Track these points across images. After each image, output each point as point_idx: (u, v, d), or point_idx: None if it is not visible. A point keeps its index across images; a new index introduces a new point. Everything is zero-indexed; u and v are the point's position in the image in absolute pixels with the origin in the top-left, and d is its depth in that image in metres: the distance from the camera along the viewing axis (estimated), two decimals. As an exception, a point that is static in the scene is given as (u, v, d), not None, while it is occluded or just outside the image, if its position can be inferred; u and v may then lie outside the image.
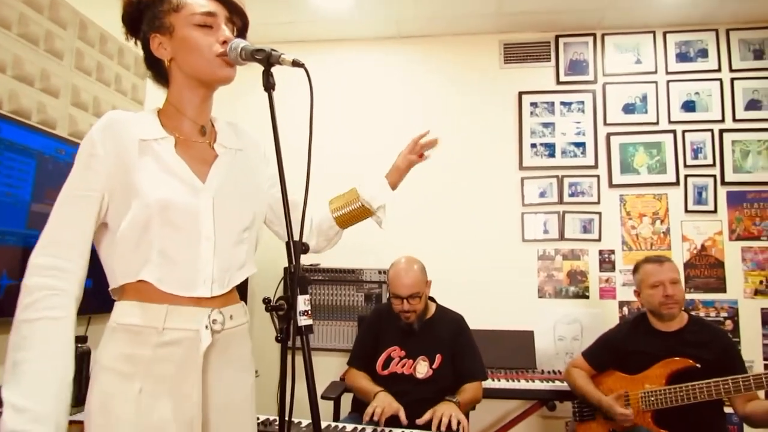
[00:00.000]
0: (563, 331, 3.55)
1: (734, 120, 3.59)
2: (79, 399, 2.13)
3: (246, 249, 1.30)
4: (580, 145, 3.71)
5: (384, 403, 2.28)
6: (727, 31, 3.65)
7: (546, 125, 3.75)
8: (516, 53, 3.83)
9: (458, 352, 2.59)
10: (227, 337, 1.23)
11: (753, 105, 3.59)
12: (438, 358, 2.55)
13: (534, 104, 3.77)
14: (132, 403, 1.11)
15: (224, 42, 1.21)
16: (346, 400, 2.87)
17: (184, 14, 1.22)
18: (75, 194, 1.16)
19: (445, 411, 2.23)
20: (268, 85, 1.13)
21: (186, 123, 1.28)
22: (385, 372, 2.57)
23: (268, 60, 1.13)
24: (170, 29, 1.23)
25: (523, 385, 3.03)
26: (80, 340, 2.28)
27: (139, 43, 1.30)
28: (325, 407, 2.82)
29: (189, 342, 1.15)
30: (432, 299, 2.76)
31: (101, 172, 1.16)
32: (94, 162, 1.16)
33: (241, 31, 1.33)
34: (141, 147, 1.19)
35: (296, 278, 1.05)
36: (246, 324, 1.32)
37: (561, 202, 3.67)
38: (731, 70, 3.63)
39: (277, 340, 1.08)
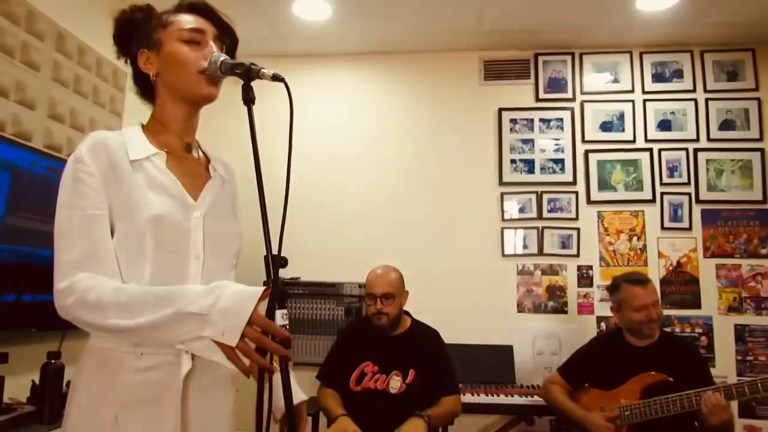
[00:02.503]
0: (542, 346, 3.57)
1: (708, 139, 3.66)
2: (52, 416, 2.10)
3: (233, 275, 1.30)
4: (559, 161, 3.76)
5: (341, 428, 2.31)
6: (702, 53, 3.74)
7: (525, 142, 3.79)
8: (496, 70, 3.88)
9: (433, 367, 2.59)
10: (207, 359, 1.21)
11: (726, 125, 3.67)
12: (411, 373, 2.55)
13: (513, 121, 3.82)
14: (107, 431, 1.08)
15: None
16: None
17: (172, 30, 1.23)
18: (87, 212, 1.12)
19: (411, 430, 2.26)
20: (248, 98, 1.13)
21: (171, 139, 1.27)
22: (359, 388, 2.57)
23: (247, 74, 1.13)
24: (158, 45, 1.23)
25: (502, 399, 3.04)
26: (54, 355, 2.23)
27: (128, 61, 1.30)
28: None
29: (168, 366, 1.12)
30: (407, 314, 2.77)
31: (101, 191, 1.14)
32: (92, 181, 1.13)
33: (230, 50, 1.33)
34: (133, 166, 1.17)
35: (274, 293, 1.04)
36: None
37: (540, 217, 3.70)
38: (705, 91, 3.71)
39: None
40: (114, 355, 1.12)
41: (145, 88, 1.30)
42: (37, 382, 2.21)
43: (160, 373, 1.11)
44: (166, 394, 1.11)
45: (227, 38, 1.30)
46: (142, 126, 1.29)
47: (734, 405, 3.24)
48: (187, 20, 1.24)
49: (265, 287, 1.02)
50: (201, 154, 1.34)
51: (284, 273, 3.50)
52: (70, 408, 1.13)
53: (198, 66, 1.20)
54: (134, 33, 1.27)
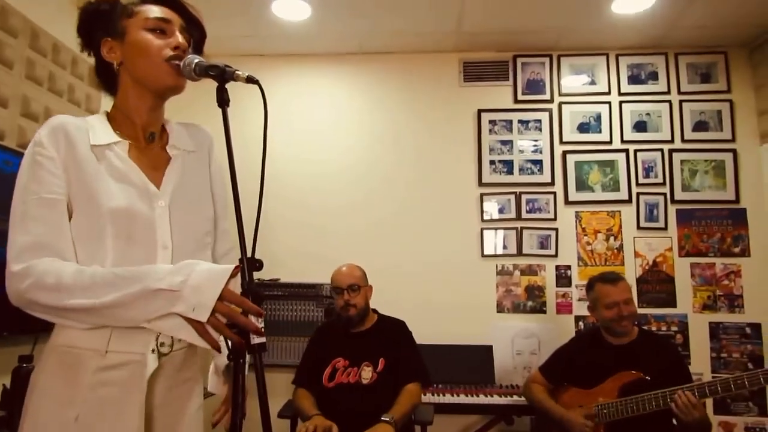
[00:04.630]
0: (521, 346, 3.59)
1: (683, 140, 3.72)
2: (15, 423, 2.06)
3: (209, 254, 1.28)
4: (537, 162, 3.79)
5: (316, 422, 2.34)
6: (676, 56, 3.80)
7: (504, 143, 3.82)
8: (475, 72, 3.90)
9: (401, 354, 2.63)
10: (175, 358, 1.18)
11: (700, 126, 3.73)
12: (381, 362, 2.60)
13: (493, 122, 3.84)
14: None
15: (176, 47, 1.19)
16: (304, 417, 2.83)
17: (137, 19, 1.21)
18: (43, 197, 1.09)
19: None
20: (222, 101, 1.12)
21: (135, 128, 1.24)
22: (332, 384, 2.60)
23: (222, 76, 1.11)
24: (122, 33, 1.21)
25: (481, 399, 3.06)
26: (26, 359, 2.19)
27: (92, 53, 1.27)
28: (282, 426, 2.78)
29: (133, 366, 1.10)
30: (374, 311, 2.81)
31: (60, 175, 1.11)
32: (50, 165, 1.11)
33: (198, 44, 1.31)
34: (94, 153, 1.15)
35: (249, 295, 1.03)
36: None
37: (519, 218, 3.73)
38: (680, 93, 3.77)
39: (228, 358, 1.06)
40: (76, 353, 1.09)
41: (108, 80, 1.27)
42: (8, 386, 2.17)
43: (125, 372, 1.09)
44: (130, 394, 1.08)
45: (195, 31, 1.29)
46: (107, 114, 1.26)
47: (709, 402, 3.29)
48: (153, 10, 1.22)
49: (236, 265, 1.03)
50: (163, 135, 1.30)
51: (263, 274, 3.50)
52: (28, 408, 1.10)
53: (163, 54, 1.18)
54: (98, 23, 1.23)
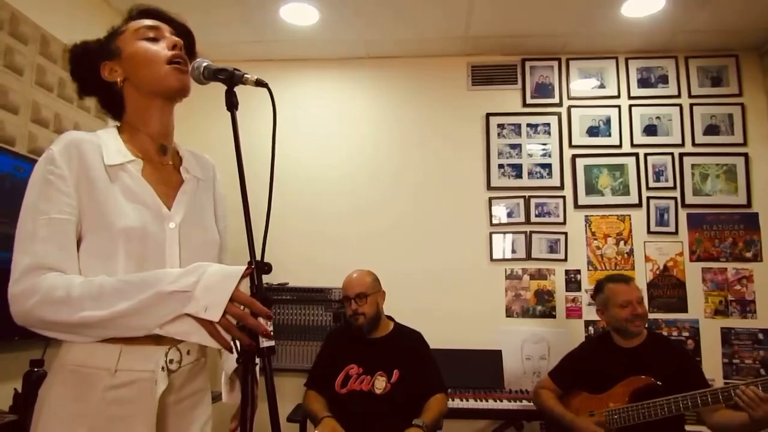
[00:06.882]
0: (531, 351, 3.57)
1: (693, 144, 3.70)
2: None
3: None
4: (546, 166, 3.77)
5: (327, 428, 2.33)
6: (686, 59, 3.78)
7: (513, 146, 3.81)
8: (483, 75, 3.89)
9: (418, 366, 2.62)
10: (183, 374, 1.18)
11: (711, 130, 3.70)
12: (396, 373, 2.57)
13: (501, 126, 3.83)
14: None
15: (174, 46, 1.21)
16: (313, 422, 2.82)
17: (129, 33, 1.24)
18: (52, 217, 1.07)
19: None
20: (231, 104, 1.12)
21: (147, 141, 1.25)
22: (344, 390, 2.59)
23: (231, 79, 1.11)
24: (118, 52, 1.23)
25: (491, 404, 3.04)
26: (37, 363, 2.20)
27: (94, 87, 1.28)
28: (292, 430, 2.78)
29: (143, 383, 1.09)
30: (390, 318, 2.80)
31: (71, 194, 1.10)
32: (61, 183, 1.10)
33: (189, 49, 1.32)
34: (107, 172, 1.15)
35: (258, 299, 1.03)
36: (203, 358, 1.27)
37: (528, 222, 3.71)
38: (690, 96, 3.75)
39: (238, 361, 1.06)
40: (86, 372, 1.08)
41: (107, 98, 1.28)
42: (19, 390, 2.17)
43: (135, 391, 1.08)
44: (140, 412, 1.08)
45: (184, 38, 1.29)
46: (118, 129, 1.26)
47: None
48: (142, 21, 1.25)
49: (247, 266, 1.03)
50: (175, 155, 1.32)
51: (271, 278, 3.50)
52: (37, 425, 1.09)
53: (163, 56, 1.20)
54: (91, 58, 1.25)
